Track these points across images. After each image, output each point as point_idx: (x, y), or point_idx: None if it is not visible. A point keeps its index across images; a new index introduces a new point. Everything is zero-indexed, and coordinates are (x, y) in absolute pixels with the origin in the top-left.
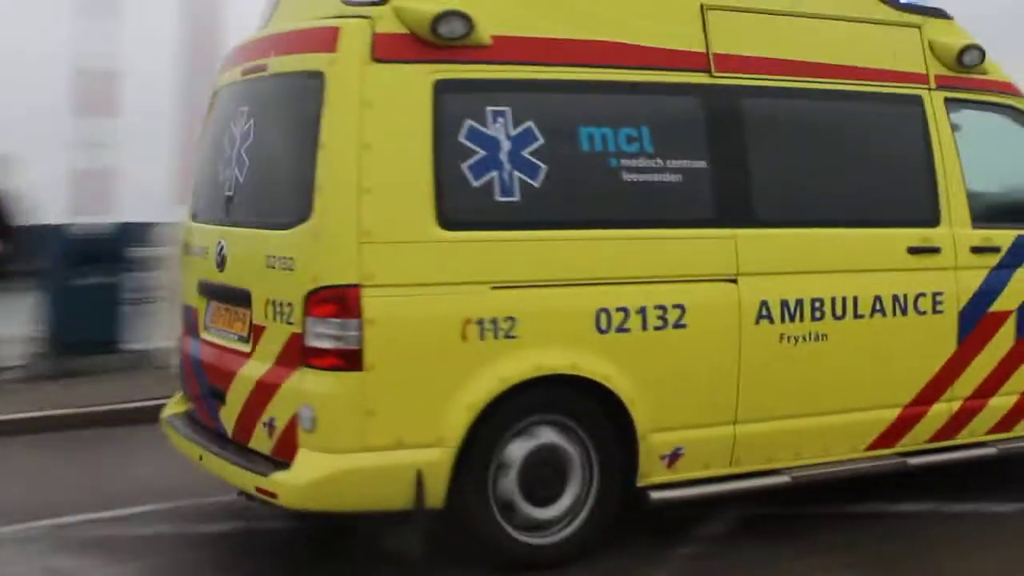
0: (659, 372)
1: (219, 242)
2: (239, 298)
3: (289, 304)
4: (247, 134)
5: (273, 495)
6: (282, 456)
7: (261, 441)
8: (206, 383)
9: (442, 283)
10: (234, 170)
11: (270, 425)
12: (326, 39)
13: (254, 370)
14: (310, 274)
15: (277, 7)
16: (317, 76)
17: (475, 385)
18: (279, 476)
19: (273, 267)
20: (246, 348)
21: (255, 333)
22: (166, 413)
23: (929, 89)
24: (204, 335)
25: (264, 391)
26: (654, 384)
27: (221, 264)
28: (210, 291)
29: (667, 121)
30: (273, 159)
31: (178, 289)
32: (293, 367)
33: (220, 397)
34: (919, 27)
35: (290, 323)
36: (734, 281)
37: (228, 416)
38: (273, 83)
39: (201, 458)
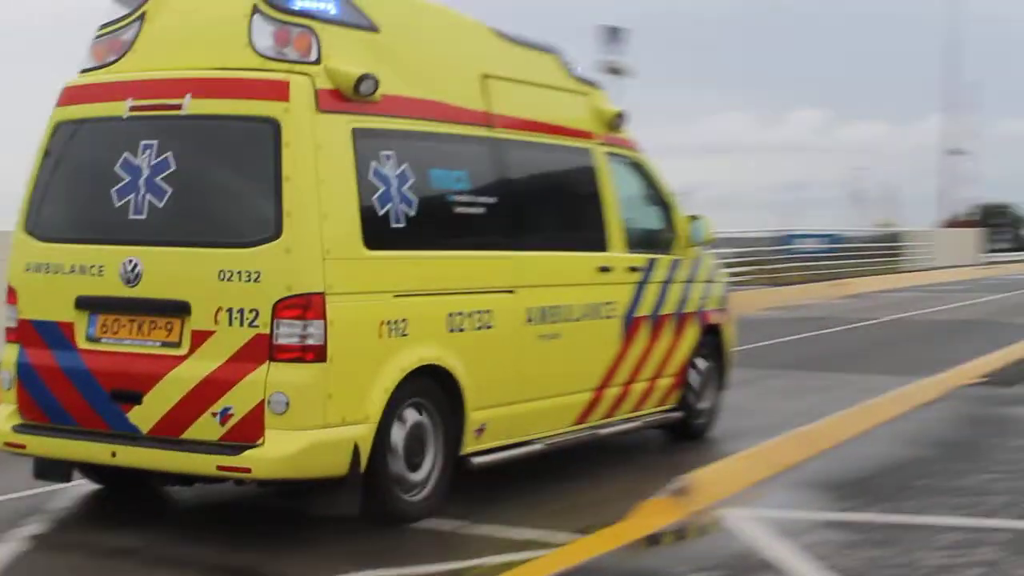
0: (478, 363)
1: (129, 260)
2: (163, 308)
3: (253, 310)
4: (162, 165)
5: (247, 470)
6: (236, 439)
7: (205, 430)
8: (100, 389)
9: (368, 291)
10: (145, 196)
11: (223, 414)
12: (276, 89)
13: (195, 370)
14: (282, 284)
15: (136, 37)
16: (268, 121)
17: (387, 372)
18: (252, 453)
19: (229, 279)
20: (177, 352)
21: (195, 338)
22: (5, 431)
23: (597, 144)
24: (88, 346)
25: (214, 386)
26: (475, 372)
27: (133, 280)
28: (102, 305)
29: (474, 166)
30: (215, 188)
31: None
32: (256, 363)
33: (131, 399)
34: (587, 95)
35: (253, 326)
36: (512, 292)
37: (145, 415)
38: (196, 122)
39: (114, 454)
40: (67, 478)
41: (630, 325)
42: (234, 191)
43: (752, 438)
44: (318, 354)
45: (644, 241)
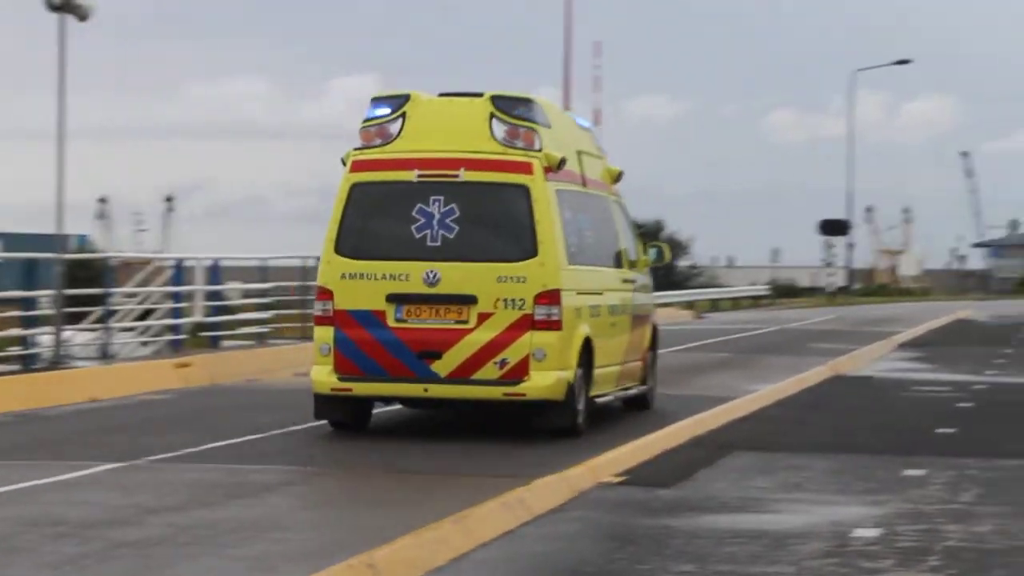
0: (598, 338)
1: (430, 270)
2: (457, 300)
3: (521, 299)
4: (449, 212)
5: (522, 395)
6: (510, 378)
7: (488, 373)
8: (409, 351)
9: (572, 290)
10: (438, 231)
11: (502, 363)
12: (525, 168)
13: (481, 336)
14: (540, 284)
15: (401, 129)
16: (522, 187)
17: (578, 339)
18: (527, 385)
19: (505, 281)
20: (466, 326)
21: (480, 317)
22: (330, 381)
23: (611, 194)
24: (397, 325)
25: (495, 346)
26: (597, 344)
27: (433, 283)
28: (407, 299)
29: (583, 212)
30: (490, 226)
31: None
32: (523, 331)
33: (433, 356)
34: (603, 159)
35: (521, 309)
36: (601, 294)
37: (443, 365)
38: (471, 186)
39: (426, 390)
40: (342, 424)
41: (631, 321)
42: (503, 228)
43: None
44: (559, 325)
45: (629, 261)
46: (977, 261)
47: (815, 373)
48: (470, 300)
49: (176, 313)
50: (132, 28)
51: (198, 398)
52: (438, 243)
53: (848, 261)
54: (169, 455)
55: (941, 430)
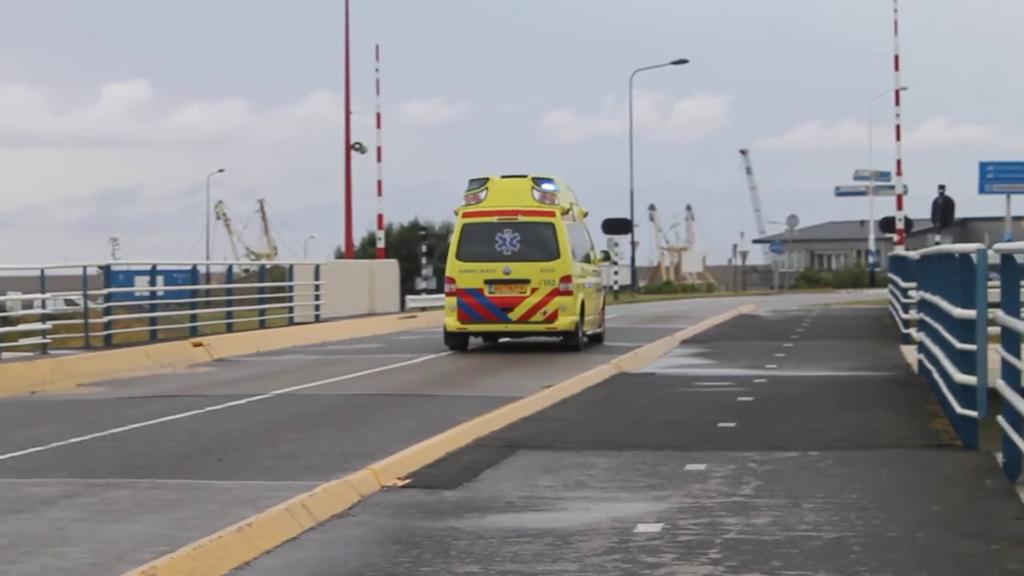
0: (586, 301)
1: (506, 266)
2: (520, 281)
3: (552, 280)
4: (513, 238)
5: (555, 328)
6: (550, 321)
7: (538, 319)
8: (496, 306)
9: (577, 275)
10: (508, 246)
11: (544, 312)
12: (551, 213)
13: (533, 300)
14: (562, 272)
15: (485, 193)
16: (550, 224)
17: (578, 301)
18: (556, 324)
19: (544, 272)
20: (525, 294)
21: (532, 290)
22: (456, 324)
23: (583, 225)
24: (489, 294)
25: (540, 304)
26: (585, 304)
27: (508, 272)
28: (494, 281)
29: (575, 235)
30: (537, 244)
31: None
32: (555, 296)
33: (509, 310)
34: (577, 203)
35: (552, 285)
36: (584, 277)
37: (515, 314)
38: (526, 221)
39: (506, 328)
40: (461, 348)
41: (596, 293)
42: (542, 244)
43: None
44: (571, 293)
45: (593, 260)
46: (758, 257)
47: (599, 371)
48: (526, 282)
49: None
50: None
51: None
52: (508, 253)
53: (632, 259)
54: None
55: (722, 424)
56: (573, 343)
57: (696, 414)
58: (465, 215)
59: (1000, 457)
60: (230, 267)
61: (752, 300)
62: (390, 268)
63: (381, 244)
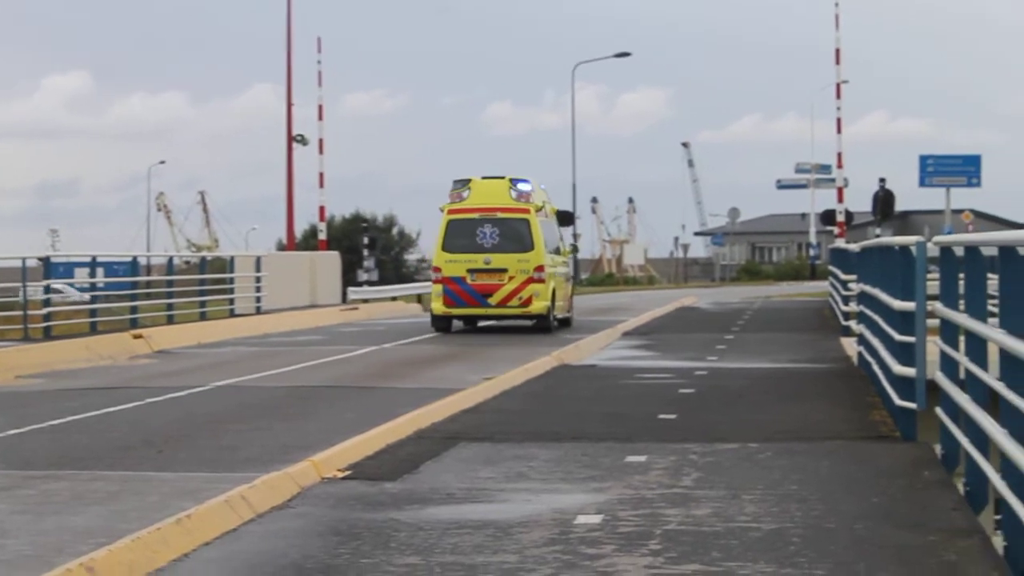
0: (555, 288)
1: (486, 257)
2: (500, 270)
3: (527, 269)
4: (493, 232)
5: (529, 312)
6: (525, 306)
7: (515, 304)
8: (477, 292)
9: (549, 265)
10: (488, 239)
11: (520, 298)
12: (527, 211)
13: (509, 287)
14: (536, 262)
15: (468, 192)
16: (526, 219)
17: (550, 288)
18: (531, 308)
19: (520, 262)
20: (502, 282)
21: (509, 278)
22: (442, 309)
23: (555, 220)
24: (472, 281)
25: (517, 291)
26: (555, 291)
27: (489, 262)
28: (476, 270)
29: (548, 229)
30: (513, 237)
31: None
32: (529, 283)
33: (488, 295)
34: (550, 202)
35: (527, 273)
36: (555, 267)
37: (493, 300)
38: (504, 217)
39: (485, 312)
40: (446, 330)
41: (565, 281)
42: (518, 238)
43: None
44: (543, 281)
45: (562, 251)
46: (700, 249)
47: (541, 363)
48: (504, 271)
49: None
50: None
51: None
52: (488, 245)
53: (574, 251)
54: None
55: (663, 416)
56: (545, 325)
57: (637, 406)
58: (450, 212)
59: (938, 449)
60: (170, 259)
61: (693, 292)
62: (332, 260)
63: (323, 236)
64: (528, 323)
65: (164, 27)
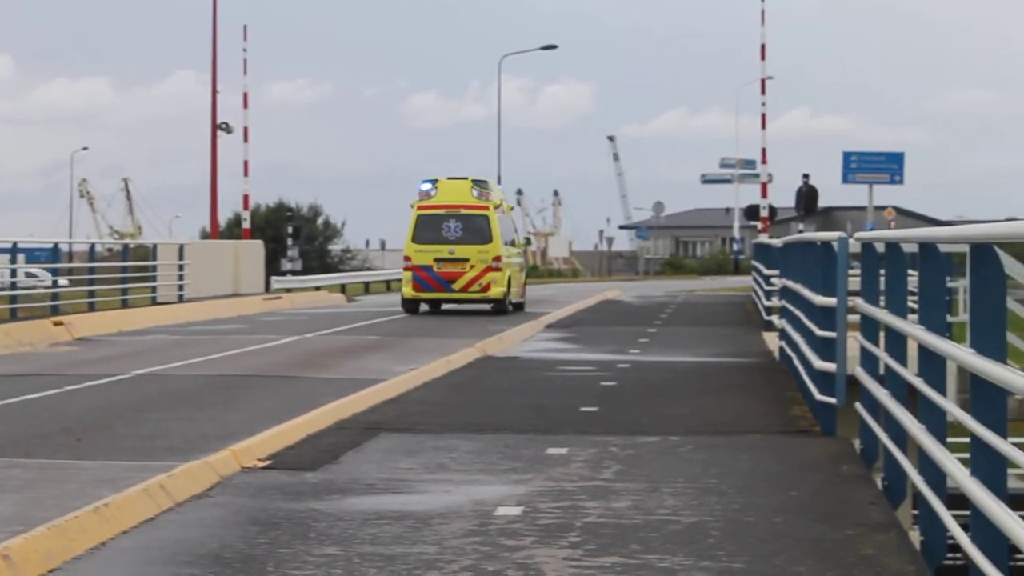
0: (512, 277)
1: (450, 248)
2: (463, 260)
3: (486, 259)
4: (456, 226)
5: (488, 297)
6: (484, 291)
7: (476, 290)
8: (443, 279)
9: (506, 256)
10: (453, 232)
11: (480, 284)
12: (487, 208)
13: (471, 274)
14: (494, 253)
15: (435, 191)
16: (485, 215)
17: (506, 276)
18: (489, 293)
19: (480, 253)
20: (465, 269)
21: (471, 267)
22: (411, 293)
23: (510, 215)
24: (438, 269)
25: (478, 278)
26: (511, 280)
27: (454, 252)
28: (443, 260)
29: (505, 222)
30: (475, 231)
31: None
32: (489, 271)
33: (452, 282)
34: (505, 199)
35: (486, 262)
36: (511, 258)
37: (457, 286)
38: (466, 213)
39: (449, 296)
40: (414, 312)
41: (519, 270)
42: (479, 231)
43: None
44: (500, 269)
45: (518, 244)
46: (624, 243)
47: (463, 355)
48: (466, 260)
49: None
50: None
51: None
52: (452, 238)
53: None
54: None
55: (585, 409)
56: (501, 308)
57: (559, 398)
58: (419, 208)
59: (857, 443)
60: (92, 246)
61: (617, 285)
62: (255, 249)
63: (247, 225)
64: (487, 307)
65: (86, 12)
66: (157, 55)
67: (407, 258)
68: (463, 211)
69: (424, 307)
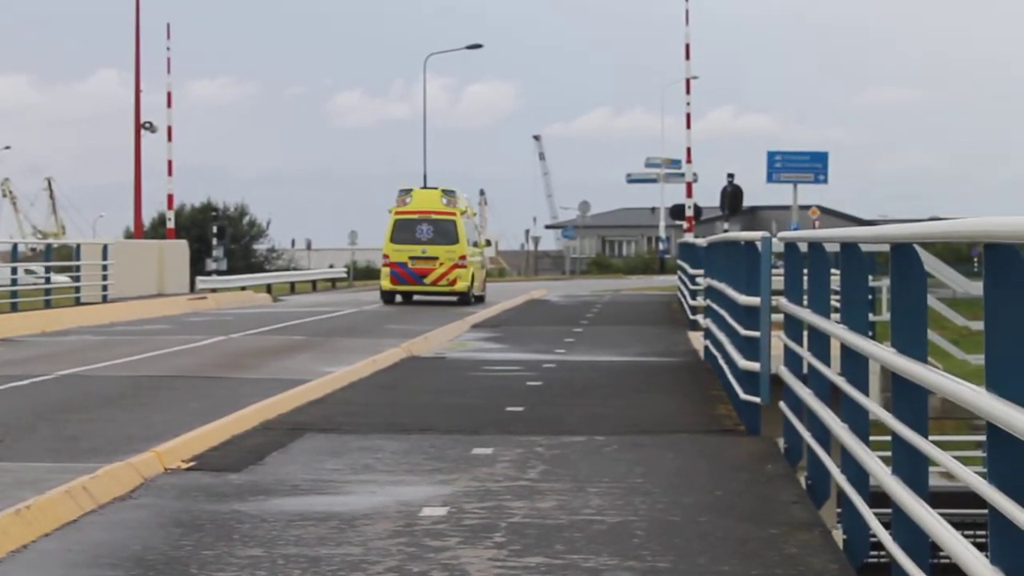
0: (475, 274)
1: (423, 248)
2: (434, 258)
3: (453, 258)
4: (428, 229)
5: (454, 290)
6: (451, 285)
7: (444, 284)
8: (415, 273)
9: (470, 256)
10: (425, 234)
11: (448, 279)
12: (453, 213)
13: (440, 270)
14: (460, 253)
15: (410, 199)
16: (453, 220)
17: (470, 273)
18: (455, 287)
19: (448, 252)
20: (436, 266)
21: (440, 264)
22: (388, 286)
23: (473, 219)
24: (413, 265)
25: (447, 273)
26: (475, 276)
27: (425, 251)
28: (416, 257)
29: (469, 224)
30: (444, 234)
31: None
32: (457, 268)
33: (425, 276)
34: (469, 204)
35: (453, 260)
36: (476, 257)
37: (429, 280)
38: (437, 218)
39: (421, 288)
40: (391, 302)
41: (481, 267)
42: (447, 234)
43: None
44: (466, 267)
45: (480, 244)
46: (550, 242)
47: (389, 355)
48: (436, 258)
49: None
50: None
51: None
52: (425, 239)
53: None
54: None
55: (511, 408)
56: (466, 299)
57: (485, 398)
58: (397, 213)
59: (782, 443)
60: (15, 245)
61: (544, 285)
62: (180, 248)
63: (171, 224)
64: (453, 298)
65: (5, 8)
66: (79, 53)
67: (386, 256)
68: (434, 216)
69: (398, 298)
